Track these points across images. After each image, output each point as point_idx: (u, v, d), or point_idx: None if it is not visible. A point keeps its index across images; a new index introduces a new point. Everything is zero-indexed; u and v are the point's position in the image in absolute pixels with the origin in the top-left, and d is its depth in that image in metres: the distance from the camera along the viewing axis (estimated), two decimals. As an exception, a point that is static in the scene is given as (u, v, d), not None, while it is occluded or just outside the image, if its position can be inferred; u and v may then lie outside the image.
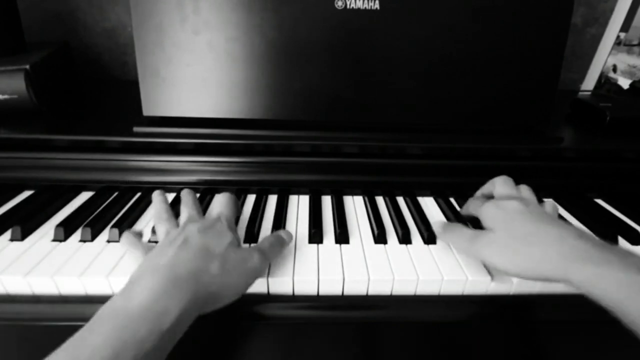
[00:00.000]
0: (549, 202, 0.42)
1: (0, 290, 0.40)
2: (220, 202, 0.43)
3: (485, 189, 0.48)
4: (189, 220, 0.40)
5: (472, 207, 0.45)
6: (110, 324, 0.29)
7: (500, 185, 0.44)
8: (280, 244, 0.42)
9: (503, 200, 0.41)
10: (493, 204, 0.41)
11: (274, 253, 0.40)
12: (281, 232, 0.43)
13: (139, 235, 0.44)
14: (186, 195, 0.45)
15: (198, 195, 0.54)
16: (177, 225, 0.41)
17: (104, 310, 0.31)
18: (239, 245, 0.39)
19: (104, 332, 0.29)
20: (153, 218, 0.42)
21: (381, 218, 0.49)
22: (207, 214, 0.43)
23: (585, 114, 0.64)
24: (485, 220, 0.41)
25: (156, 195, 0.44)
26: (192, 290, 0.32)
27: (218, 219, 0.40)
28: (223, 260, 0.36)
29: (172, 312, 0.31)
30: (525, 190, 0.43)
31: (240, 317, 0.40)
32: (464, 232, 0.41)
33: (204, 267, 0.34)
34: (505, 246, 0.37)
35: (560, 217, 0.47)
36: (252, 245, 0.40)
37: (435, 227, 0.46)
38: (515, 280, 0.41)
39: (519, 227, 0.37)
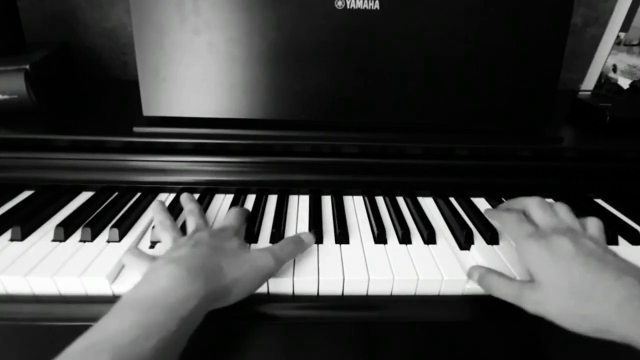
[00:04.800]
0: (592, 223, 0.38)
1: (0, 290, 0.40)
2: (229, 216, 0.45)
3: (512, 205, 0.44)
4: (197, 228, 0.42)
5: (508, 227, 0.41)
6: (133, 310, 0.30)
7: (536, 210, 0.40)
8: (296, 245, 0.41)
9: (548, 237, 0.36)
10: (536, 242, 0.36)
11: (287, 254, 0.40)
12: (302, 234, 0.43)
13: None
14: (190, 203, 0.47)
15: (198, 195, 0.54)
16: (181, 234, 0.42)
17: (123, 300, 0.31)
18: (248, 248, 0.40)
19: (126, 317, 0.29)
20: (156, 227, 0.44)
21: (381, 218, 0.49)
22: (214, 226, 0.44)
23: (585, 114, 0.64)
24: (529, 262, 0.36)
25: (156, 206, 0.46)
26: (207, 283, 0.33)
27: (226, 228, 0.42)
28: (234, 257, 0.37)
29: (191, 300, 0.31)
30: (564, 213, 0.39)
31: (240, 317, 0.40)
32: (510, 283, 0.37)
33: (217, 262, 0.36)
34: (562, 307, 0.33)
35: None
36: (264, 246, 0.40)
37: (474, 271, 0.40)
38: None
39: (576, 278, 0.32)
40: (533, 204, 0.41)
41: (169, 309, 0.30)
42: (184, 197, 0.48)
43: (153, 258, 0.39)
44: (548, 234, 0.36)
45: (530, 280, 0.36)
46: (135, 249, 0.41)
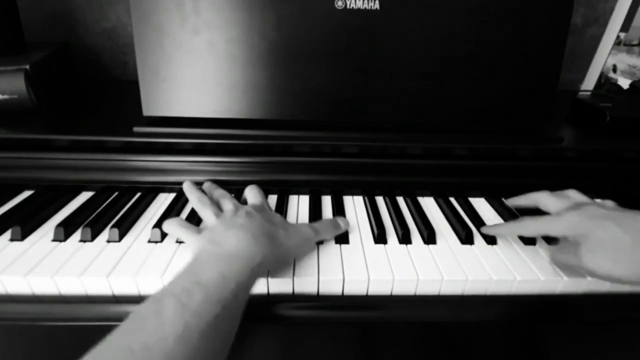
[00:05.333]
0: (606, 201, 0.42)
1: (0, 290, 0.40)
2: (254, 195, 0.48)
3: (520, 203, 0.48)
4: (237, 206, 0.44)
5: (531, 229, 0.43)
6: (209, 263, 0.34)
7: (549, 200, 0.44)
8: (334, 226, 0.46)
9: (577, 208, 0.40)
10: (572, 213, 0.39)
11: (325, 230, 0.44)
12: (338, 219, 0.47)
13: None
14: (218, 189, 0.49)
15: (198, 195, 0.54)
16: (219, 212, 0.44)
17: (197, 258, 0.35)
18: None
19: (205, 269, 0.34)
20: (195, 204, 0.46)
21: (381, 218, 0.49)
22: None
23: (585, 114, 0.64)
24: (576, 226, 0.39)
25: (188, 185, 0.49)
26: (268, 246, 0.38)
27: (260, 204, 0.46)
28: (284, 228, 0.42)
29: (258, 256, 0.36)
30: (576, 194, 0.43)
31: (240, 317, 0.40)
32: (568, 252, 0.40)
33: (274, 231, 0.40)
34: (614, 257, 0.35)
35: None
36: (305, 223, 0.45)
37: (550, 253, 0.44)
38: (517, 278, 0.41)
39: (617, 231, 0.36)
40: (545, 197, 0.44)
41: (242, 260, 0.35)
42: (208, 185, 0.51)
43: (199, 230, 0.41)
44: (574, 207, 0.40)
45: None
46: (180, 219, 0.43)
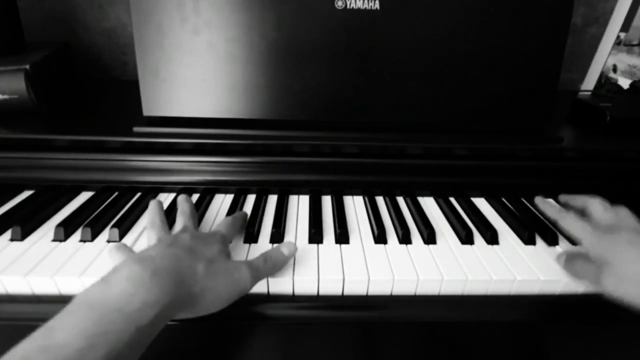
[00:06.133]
0: None
1: (0, 290, 0.40)
2: (222, 223, 0.44)
3: (572, 202, 0.47)
4: (184, 229, 0.40)
5: (568, 226, 0.43)
6: (86, 314, 0.28)
7: (597, 207, 0.43)
8: (275, 260, 0.39)
9: (613, 231, 0.39)
10: (608, 235, 0.39)
11: (267, 270, 0.38)
12: (281, 246, 0.41)
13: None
14: (184, 204, 0.45)
15: (198, 195, 0.54)
16: (170, 234, 0.40)
17: (79, 298, 0.29)
18: (229, 258, 0.39)
19: (77, 322, 0.27)
20: (146, 225, 0.42)
21: (381, 218, 0.49)
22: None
23: (585, 114, 0.64)
24: (607, 251, 0.38)
25: (152, 203, 0.44)
26: (173, 286, 0.31)
27: (214, 233, 0.40)
28: (209, 263, 0.35)
29: (151, 307, 0.29)
30: (625, 214, 0.41)
31: (240, 318, 0.40)
32: (590, 268, 0.39)
33: (189, 265, 0.33)
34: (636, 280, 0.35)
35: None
36: (243, 260, 0.39)
37: (560, 256, 0.43)
38: (517, 278, 0.41)
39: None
40: (595, 202, 0.44)
41: (125, 316, 0.28)
42: (181, 198, 0.46)
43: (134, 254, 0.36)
44: (613, 228, 0.39)
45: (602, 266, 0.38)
46: (120, 243, 0.40)
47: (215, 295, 0.34)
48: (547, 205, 0.47)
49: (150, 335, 0.30)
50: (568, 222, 0.43)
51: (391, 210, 0.52)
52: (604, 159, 0.56)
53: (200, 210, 0.50)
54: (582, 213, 0.45)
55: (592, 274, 0.38)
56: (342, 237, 0.46)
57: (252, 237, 0.46)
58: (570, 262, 0.41)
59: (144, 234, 0.46)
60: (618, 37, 0.75)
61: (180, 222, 0.42)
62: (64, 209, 0.51)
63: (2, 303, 0.39)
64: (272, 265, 0.39)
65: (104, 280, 0.30)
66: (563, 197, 0.50)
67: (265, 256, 0.39)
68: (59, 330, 0.27)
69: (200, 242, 0.37)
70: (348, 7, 0.50)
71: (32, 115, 0.57)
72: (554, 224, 0.46)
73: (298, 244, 0.45)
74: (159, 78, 0.52)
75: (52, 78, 0.63)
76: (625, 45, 0.74)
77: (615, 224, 0.40)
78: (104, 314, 0.28)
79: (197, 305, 0.33)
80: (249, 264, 0.37)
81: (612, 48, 0.75)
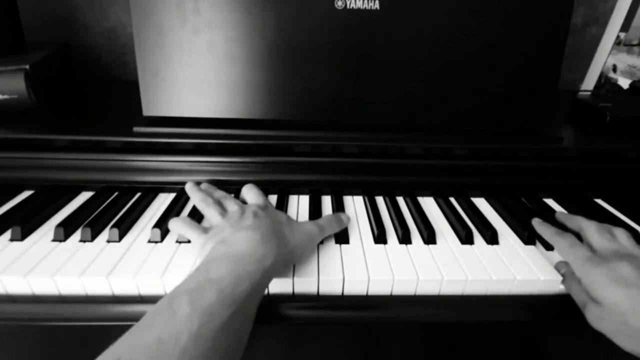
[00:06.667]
0: None
1: (0, 290, 0.40)
2: (255, 194, 0.48)
3: (567, 223, 0.46)
4: (240, 206, 0.44)
5: (562, 250, 0.42)
6: (222, 263, 0.34)
7: (593, 233, 0.41)
8: (337, 222, 0.46)
9: (608, 262, 0.37)
10: (596, 266, 0.37)
11: (329, 227, 0.45)
12: (340, 214, 0.48)
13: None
14: (218, 190, 0.50)
15: (198, 195, 0.54)
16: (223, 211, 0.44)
17: (210, 256, 0.36)
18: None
19: (224, 265, 0.34)
20: (199, 204, 0.46)
21: (381, 218, 0.49)
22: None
23: (585, 114, 0.64)
24: (589, 286, 0.37)
25: (191, 186, 0.49)
26: (277, 247, 0.38)
27: (264, 204, 0.46)
28: (290, 227, 0.42)
29: (269, 257, 0.36)
30: (624, 238, 0.40)
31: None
32: (581, 292, 0.38)
33: (281, 230, 0.41)
34: (619, 328, 0.34)
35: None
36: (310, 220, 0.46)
37: (560, 267, 0.43)
38: (517, 278, 0.41)
39: (637, 302, 0.33)
40: (591, 228, 0.42)
41: (255, 260, 0.35)
42: (207, 186, 0.51)
43: (205, 230, 0.42)
44: (608, 259, 0.37)
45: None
46: (187, 218, 0.44)
47: (302, 249, 0.42)
48: (543, 228, 0.46)
49: (268, 280, 0.37)
50: (562, 248, 0.42)
51: (391, 210, 0.52)
52: (604, 159, 0.56)
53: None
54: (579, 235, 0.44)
55: (581, 301, 0.38)
56: (342, 237, 0.46)
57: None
58: (567, 282, 0.41)
59: (145, 232, 0.46)
60: (618, 37, 0.74)
61: (231, 203, 0.45)
62: (64, 209, 0.51)
63: (2, 303, 0.39)
64: (334, 225, 0.46)
65: (223, 242, 0.38)
66: (560, 216, 0.49)
67: (328, 217, 0.47)
68: (212, 271, 0.34)
69: (272, 212, 0.44)
70: (348, 7, 0.50)
71: (32, 115, 0.57)
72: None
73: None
74: (158, 78, 0.52)
75: (52, 78, 0.63)
76: (625, 45, 0.74)
77: (615, 250, 0.38)
78: (239, 259, 0.35)
79: (292, 259, 0.41)
80: (315, 222, 0.44)
81: (612, 48, 0.75)
